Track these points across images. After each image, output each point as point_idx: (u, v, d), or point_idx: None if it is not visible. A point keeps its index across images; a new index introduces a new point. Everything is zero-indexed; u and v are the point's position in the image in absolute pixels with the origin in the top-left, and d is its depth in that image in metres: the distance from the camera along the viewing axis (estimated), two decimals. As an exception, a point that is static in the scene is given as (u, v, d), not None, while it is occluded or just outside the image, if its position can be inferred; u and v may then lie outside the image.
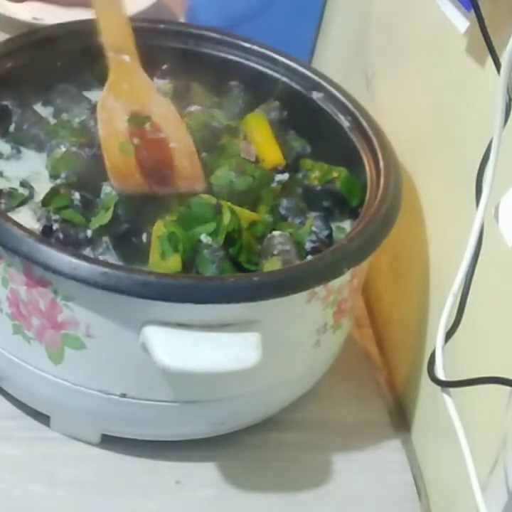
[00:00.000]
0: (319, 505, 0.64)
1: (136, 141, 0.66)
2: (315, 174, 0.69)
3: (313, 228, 0.65)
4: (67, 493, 0.61)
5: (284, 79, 0.75)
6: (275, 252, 0.62)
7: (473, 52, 0.62)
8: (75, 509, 0.61)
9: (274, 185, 0.68)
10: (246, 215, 0.64)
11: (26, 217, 0.63)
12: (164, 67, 0.76)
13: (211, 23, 0.87)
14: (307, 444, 0.68)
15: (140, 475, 0.64)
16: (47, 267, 0.55)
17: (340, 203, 0.69)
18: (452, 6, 0.65)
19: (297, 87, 0.74)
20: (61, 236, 0.61)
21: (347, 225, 0.69)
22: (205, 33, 0.77)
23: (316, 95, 0.73)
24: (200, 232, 0.61)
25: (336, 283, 0.60)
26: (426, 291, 0.69)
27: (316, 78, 0.74)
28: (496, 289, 0.57)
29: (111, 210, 0.62)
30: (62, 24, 0.74)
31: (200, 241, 0.61)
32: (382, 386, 0.74)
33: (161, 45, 0.75)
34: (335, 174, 0.69)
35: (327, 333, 0.63)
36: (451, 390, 0.54)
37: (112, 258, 0.61)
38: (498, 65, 0.54)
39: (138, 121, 0.67)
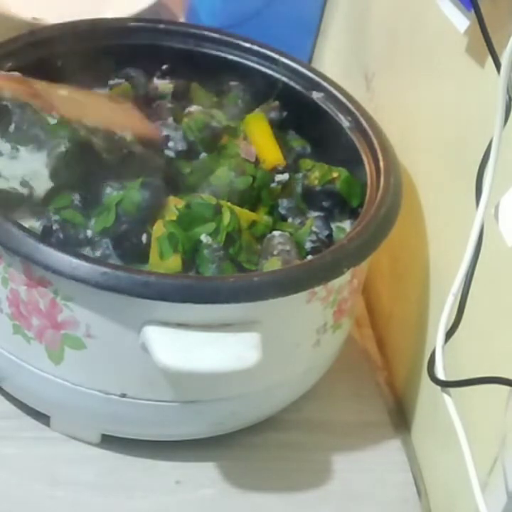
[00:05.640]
0: (319, 505, 0.64)
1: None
2: (315, 174, 0.69)
3: (313, 228, 0.65)
4: (67, 493, 0.61)
5: (284, 79, 0.75)
6: (275, 252, 0.62)
7: (473, 52, 0.62)
8: (75, 509, 0.61)
9: (274, 185, 0.68)
10: (246, 215, 0.64)
11: (26, 217, 0.63)
12: (164, 67, 0.76)
13: (211, 23, 0.87)
14: (307, 444, 0.68)
15: (140, 475, 0.64)
16: (47, 267, 0.55)
17: (340, 203, 0.69)
18: (452, 6, 0.65)
19: (297, 87, 0.74)
20: (61, 236, 0.61)
21: (347, 225, 0.69)
22: (205, 33, 0.76)
23: (316, 95, 0.73)
24: (200, 232, 0.61)
25: (336, 283, 0.60)
26: (426, 291, 0.69)
27: (316, 78, 0.74)
28: (496, 289, 0.57)
29: (113, 211, 0.62)
30: (62, 24, 0.74)
31: (200, 241, 0.61)
32: (382, 386, 0.74)
33: (161, 45, 0.75)
34: (335, 174, 0.69)
35: (327, 333, 0.63)
36: (451, 390, 0.54)
37: (111, 258, 0.61)
38: (498, 65, 0.54)
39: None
